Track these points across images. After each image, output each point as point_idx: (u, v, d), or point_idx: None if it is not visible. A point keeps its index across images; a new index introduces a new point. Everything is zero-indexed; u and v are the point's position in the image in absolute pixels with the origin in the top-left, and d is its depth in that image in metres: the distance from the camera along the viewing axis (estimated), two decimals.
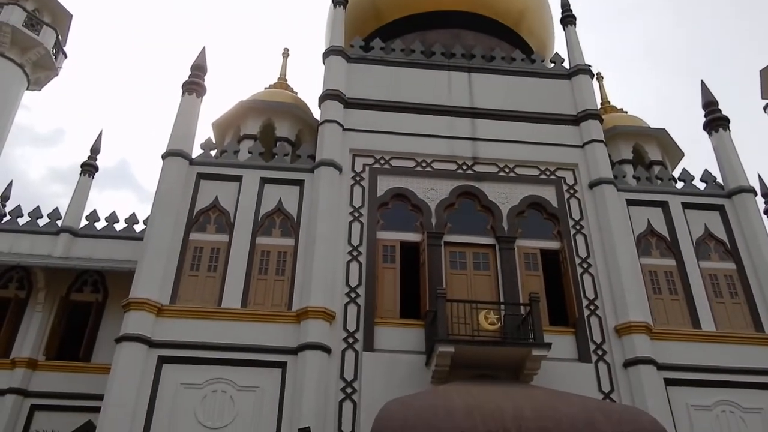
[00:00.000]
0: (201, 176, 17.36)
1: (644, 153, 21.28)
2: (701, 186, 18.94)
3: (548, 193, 17.93)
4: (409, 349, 15.08)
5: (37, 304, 18.77)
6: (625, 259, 16.61)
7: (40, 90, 28.17)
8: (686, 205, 18.17)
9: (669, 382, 15.15)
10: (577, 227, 17.46)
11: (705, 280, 16.99)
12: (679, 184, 18.99)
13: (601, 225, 17.25)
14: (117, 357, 14.40)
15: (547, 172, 18.33)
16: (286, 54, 25.97)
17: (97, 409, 14.45)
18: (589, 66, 20.35)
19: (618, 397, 14.87)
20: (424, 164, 18.03)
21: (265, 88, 23.91)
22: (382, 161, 17.99)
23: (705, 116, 20.39)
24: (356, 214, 17.02)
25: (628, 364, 15.14)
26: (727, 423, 14.90)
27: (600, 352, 15.55)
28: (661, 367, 15.19)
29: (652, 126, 22.27)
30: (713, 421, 14.90)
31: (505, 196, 17.68)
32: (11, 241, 19.69)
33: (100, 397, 14.25)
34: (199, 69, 19.34)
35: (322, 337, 14.84)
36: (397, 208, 17.34)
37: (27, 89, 27.03)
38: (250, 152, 18.29)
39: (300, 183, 17.44)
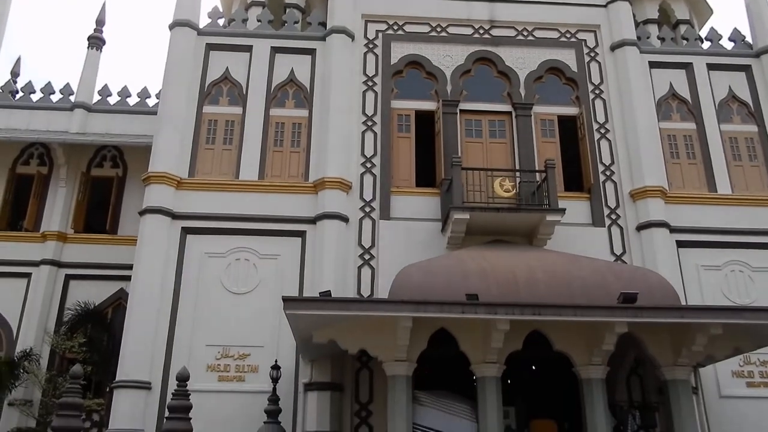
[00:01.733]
0: (210, 47, 16.96)
1: (670, 12, 20.22)
2: (728, 46, 18.20)
3: (568, 57, 17.36)
4: (425, 217, 15.37)
5: (59, 179, 19.20)
6: (644, 123, 16.38)
7: None
8: (711, 66, 17.58)
9: (681, 245, 15.45)
10: (597, 92, 17.07)
11: (724, 144, 16.81)
12: (706, 44, 18.23)
13: (621, 89, 16.84)
14: (142, 229, 14.90)
15: (567, 35, 17.64)
16: None
17: (127, 278, 15.18)
18: None
19: (629, 260, 15.25)
20: (439, 29, 17.40)
21: None
22: (396, 27, 17.37)
23: None
24: (370, 83, 16.71)
25: (641, 227, 15.39)
26: (735, 281, 15.35)
27: (614, 217, 15.77)
28: (674, 230, 15.44)
29: None
30: (722, 280, 15.35)
31: (522, 61, 17.16)
32: (27, 118, 19.75)
33: (129, 267, 14.90)
34: None
35: (339, 206, 15.13)
36: (411, 76, 16.97)
37: None
38: (258, 20, 17.70)
39: (312, 52, 17.01)
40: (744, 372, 14.67)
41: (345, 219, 15.11)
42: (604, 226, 15.64)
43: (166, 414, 10.74)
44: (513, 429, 12.68)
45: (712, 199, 16.07)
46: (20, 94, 20.62)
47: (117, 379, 13.70)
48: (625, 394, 14.00)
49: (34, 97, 20.36)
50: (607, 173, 16.23)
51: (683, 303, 13.83)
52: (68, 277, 18.26)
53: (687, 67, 17.51)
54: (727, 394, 14.47)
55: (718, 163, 16.53)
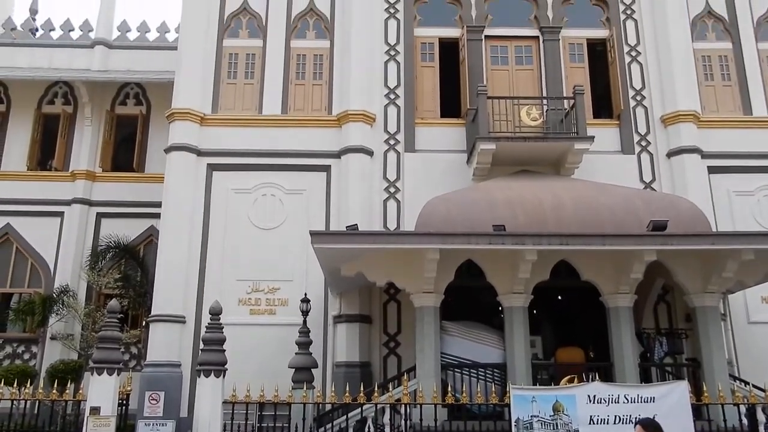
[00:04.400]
0: None
1: None
2: None
3: None
4: (451, 149, 15.17)
5: (85, 118, 19.30)
6: (678, 44, 15.74)
7: None
8: None
9: (712, 170, 15.08)
10: (628, 12, 16.37)
11: (762, 63, 16.15)
12: None
13: (654, 8, 16.11)
14: (168, 166, 14.99)
15: None
16: None
17: (157, 215, 15.40)
18: None
19: (659, 187, 14.98)
20: None
21: None
22: None
23: None
24: (392, 11, 16.21)
25: (672, 153, 15.03)
26: None
27: (644, 143, 15.39)
28: (705, 156, 15.05)
29: None
30: (754, 206, 15.05)
31: None
32: (49, 56, 19.69)
33: (158, 204, 15.09)
34: None
35: (363, 140, 14.99)
36: (434, 2, 16.38)
37: None
38: None
39: None
40: None
41: (369, 152, 15.00)
42: (634, 153, 15.31)
43: (201, 346, 11.12)
44: (540, 358, 12.86)
45: (747, 122, 15.57)
46: (40, 32, 20.49)
47: (152, 313, 14.11)
48: (652, 322, 14.03)
49: (54, 35, 20.22)
50: (638, 98, 15.74)
51: (714, 230, 13.62)
52: (100, 215, 18.63)
53: None
54: (756, 319, 14.41)
55: (755, 84, 15.93)
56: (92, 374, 10.52)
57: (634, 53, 16.07)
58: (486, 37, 15.99)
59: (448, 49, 16.14)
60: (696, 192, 14.47)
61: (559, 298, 14.72)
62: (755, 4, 16.56)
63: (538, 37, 16.11)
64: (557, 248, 10.93)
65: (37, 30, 20.63)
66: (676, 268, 11.64)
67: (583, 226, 11.48)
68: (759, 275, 11.95)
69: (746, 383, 12.03)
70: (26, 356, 17.65)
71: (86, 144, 19.09)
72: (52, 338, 17.20)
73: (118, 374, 10.63)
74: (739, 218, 14.84)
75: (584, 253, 11.36)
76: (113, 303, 11.04)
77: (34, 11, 21.78)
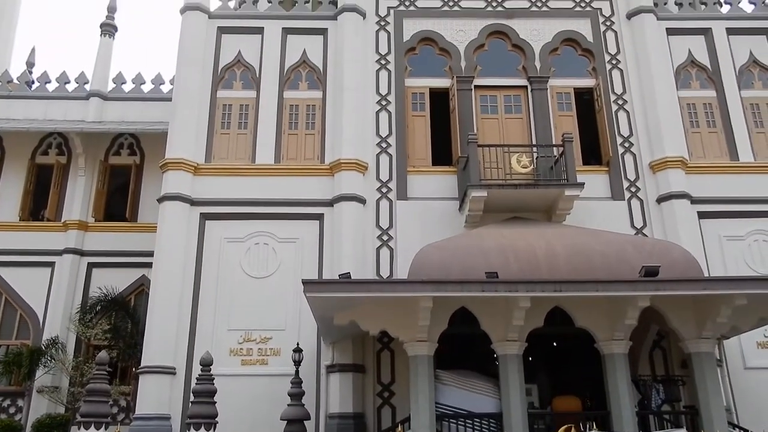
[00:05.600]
0: (222, 30, 16.87)
1: None
2: (749, 9, 17.75)
3: (583, 27, 17.03)
4: (443, 196, 15.28)
5: (78, 168, 19.39)
6: (663, 92, 16.09)
7: None
8: (731, 31, 17.15)
9: (702, 215, 15.21)
10: (613, 62, 16.77)
11: (746, 111, 16.47)
12: (725, 8, 17.79)
13: (639, 58, 16.52)
14: (161, 216, 15.00)
15: (582, 4, 17.29)
16: None
17: (149, 265, 15.34)
18: None
19: (650, 232, 15.07)
20: (451, 4, 17.13)
21: None
22: (407, 3, 17.13)
23: None
24: (383, 62, 16.56)
25: (662, 199, 15.18)
26: (759, 250, 15.11)
27: (633, 189, 15.56)
28: (695, 201, 15.20)
29: None
30: (745, 250, 15.11)
31: (537, 33, 16.87)
32: (44, 108, 19.91)
33: (150, 254, 15.03)
34: None
35: (356, 188, 15.10)
36: (424, 53, 16.77)
37: None
38: (269, 1, 17.55)
39: (323, 32, 16.85)
40: None
41: (362, 200, 15.08)
42: (624, 200, 15.45)
43: (192, 398, 10.93)
44: (536, 406, 12.68)
45: (734, 167, 15.78)
46: (36, 84, 20.76)
47: (142, 365, 13.90)
48: (649, 368, 13.94)
49: (50, 87, 20.50)
50: (626, 145, 15.99)
51: (706, 275, 13.65)
52: (91, 265, 18.51)
53: (706, 32, 17.11)
54: (752, 365, 14.31)
55: (740, 131, 16.21)
56: (79, 428, 10.28)
57: (620, 101, 16.40)
58: (475, 86, 16.30)
59: (439, 98, 16.43)
60: (687, 237, 14.56)
61: (555, 345, 14.62)
62: (736, 54, 16.99)
63: (526, 86, 16.44)
64: (551, 295, 10.90)
65: (33, 82, 20.90)
66: (670, 314, 11.61)
67: (576, 272, 11.49)
68: (753, 320, 11.92)
69: (745, 431, 11.87)
70: (12, 410, 17.26)
71: (79, 194, 19.11)
72: (39, 391, 16.85)
73: (106, 428, 10.41)
74: (730, 263, 14.90)
75: (578, 299, 11.34)
76: (102, 355, 10.89)
77: (30, 64, 22.09)
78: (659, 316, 11.72)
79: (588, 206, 14.78)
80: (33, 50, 22.71)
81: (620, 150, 15.90)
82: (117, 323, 17.06)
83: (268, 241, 14.96)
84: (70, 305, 17.86)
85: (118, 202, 19.52)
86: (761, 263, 14.94)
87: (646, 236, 14.93)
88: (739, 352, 14.37)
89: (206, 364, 10.85)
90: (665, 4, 17.54)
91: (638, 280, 10.88)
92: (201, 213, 15.11)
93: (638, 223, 15.23)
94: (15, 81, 20.81)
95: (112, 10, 21.70)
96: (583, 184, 14.11)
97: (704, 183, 15.43)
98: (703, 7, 17.84)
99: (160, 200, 15.15)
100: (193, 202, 15.12)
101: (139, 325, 16.15)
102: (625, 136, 16.06)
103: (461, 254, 12.19)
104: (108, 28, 21.38)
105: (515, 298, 10.82)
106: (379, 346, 14.05)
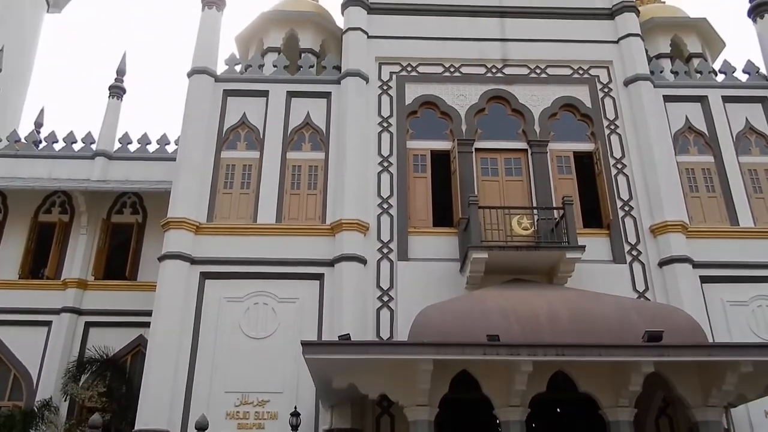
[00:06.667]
0: (227, 93, 17.26)
1: (683, 45, 20.28)
2: (743, 78, 18.16)
3: (581, 93, 17.41)
4: (444, 257, 15.26)
5: (80, 227, 19.40)
6: (662, 157, 16.28)
7: (60, 12, 27.88)
8: (726, 99, 17.51)
9: (704, 280, 15.14)
10: (612, 127, 17.05)
11: (744, 176, 16.63)
12: (720, 77, 18.21)
13: (637, 124, 16.80)
14: (161, 274, 14.94)
15: (580, 71, 17.72)
16: None
17: (146, 324, 15.14)
18: None
19: (652, 296, 14.97)
20: (452, 69, 17.57)
21: None
22: (409, 68, 17.57)
23: (749, 1, 19.26)
24: (385, 124, 16.85)
25: (664, 263, 15.14)
26: (764, 316, 14.97)
27: (635, 253, 15.54)
28: (697, 265, 15.15)
29: (691, 16, 21.10)
30: (749, 316, 14.97)
31: (536, 99, 17.23)
32: (50, 167, 20.10)
33: (148, 313, 14.88)
34: None
35: (357, 248, 15.09)
36: (426, 116, 17.10)
37: (47, 12, 26.76)
38: (275, 66, 18.02)
39: (327, 95, 17.22)
40: None
41: (363, 261, 15.05)
42: (626, 263, 15.42)
43: None
44: None
45: (735, 232, 15.82)
46: (43, 143, 21.04)
47: (136, 428, 13.55)
48: None
49: (57, 146, 20.75)
50: (626, 209, 16.08)
51: (710, 340, 13.47)
52: (88, 325, 18.27)
53: (702, 100, 17.47)
54: None
55: (739, 196, 16.32)
56: None
57: (620, 165, 16.58)
58: (476, 149, 16.54)
59: (440, 160, 16.63)
60: (690, 302, 14.45)
61: (558, 411, 14.30)
62: (733, 121, 17.28)
63: (526, 149, 16.67)
64: (553, 359, 10.75)
65: (40, 141, 21.20)
66: (674, 380, 11.41)
67: (578, 336, 11.36)
68: (760, 388, 11.71)
69: None
70: None
71: (80, 252, 19.06)
72: None
73: None
74: (735, 329, 14.72)
75: (581, 364, 11.16)
76: (95, 418, 10.61)
77: (39, 124, 22.47)
78: (664, 382, 11.51)
79: (589, 269, 14.73)
80: (42, 111, 23.16)
81: (620, 213, 15.98)
82: (112, 385, 16.72)
83: (268, 301, 14.84)
84: (65, 365, 17.52)
85: (118, 260, 19.45)
86: (766, 329, 14.76)
87: (649, 299, 14.82)
88: (747, 421, 14.02)
89: (202, 428, 10.59)
90: (661, 72, 17.98)
91: (642, 345, 10.76)
92: (201, 272, 15.05)
93: (640, 287, 15.15)
94: (23, 140, 21.10)
95: (121, 72, 22.21)
96: (584, 246, 14.12)
97: (705, 247, 15.43)
98: (698, 75, 18.25)
99: (161, 259, 15.12)
100: (194, 261, 15.09)
101: (133, 386, 15.82)
102: (625, 199, 16.17)
103: (462, 316, 12.08)
104: (116, 90, 21.81)
105: (517, 362, 10.67)
106: (379, 411, 13.74)
